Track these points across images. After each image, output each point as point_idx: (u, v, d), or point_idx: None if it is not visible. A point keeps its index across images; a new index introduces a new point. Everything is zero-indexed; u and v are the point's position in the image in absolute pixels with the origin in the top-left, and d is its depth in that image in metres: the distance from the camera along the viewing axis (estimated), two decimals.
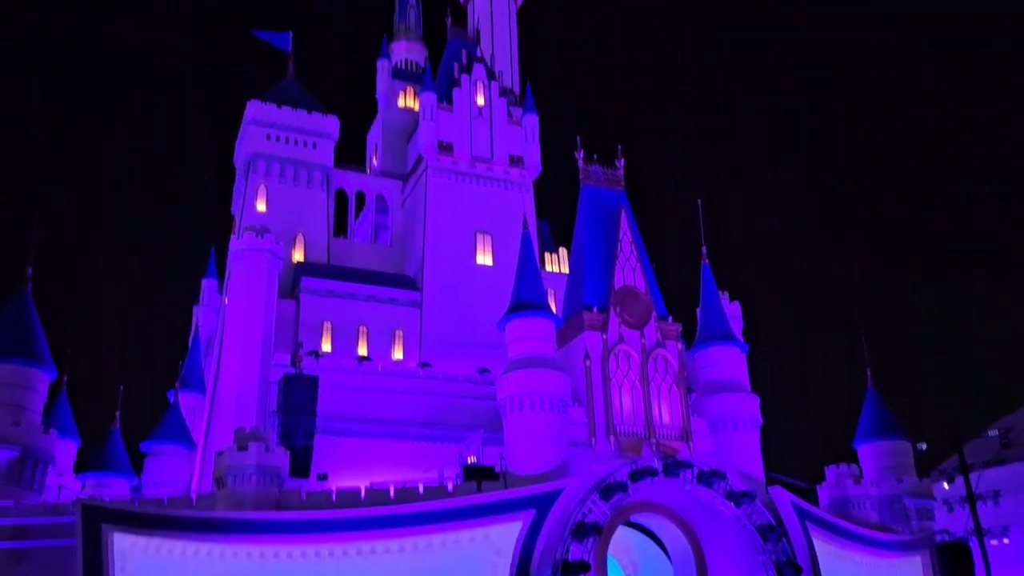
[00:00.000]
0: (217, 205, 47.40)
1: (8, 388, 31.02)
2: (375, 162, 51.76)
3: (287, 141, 46.10)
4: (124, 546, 25.39)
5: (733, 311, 44.00)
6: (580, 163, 37.74)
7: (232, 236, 43.98)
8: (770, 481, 33.93)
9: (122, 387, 44.57)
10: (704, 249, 37.81)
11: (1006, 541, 36.38)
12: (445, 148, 46.46)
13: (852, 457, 40.22)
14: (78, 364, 44.55)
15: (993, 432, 38.73)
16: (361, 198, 49.43)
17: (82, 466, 41.11)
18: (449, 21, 53.22)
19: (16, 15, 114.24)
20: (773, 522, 29.74)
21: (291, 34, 50.04)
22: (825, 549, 30.99)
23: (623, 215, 36.11)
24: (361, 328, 41.63)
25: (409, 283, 43.79)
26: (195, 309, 49.67)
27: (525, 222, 35.94)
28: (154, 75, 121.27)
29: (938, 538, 36.53)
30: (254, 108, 46.37)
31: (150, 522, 25.84)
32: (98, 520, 25.33)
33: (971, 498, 36.16)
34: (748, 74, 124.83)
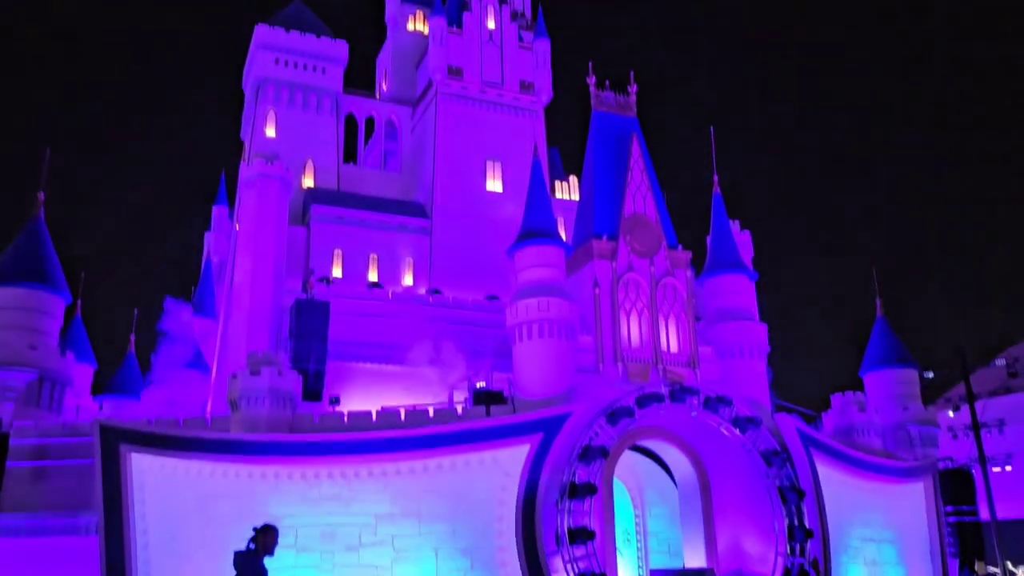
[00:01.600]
0: (228, 130, 47.14)
1: (24, 312, 31.41)
2: (384, 87, 51.21)
3: (296, 66, 45.58)
4: (142, 465, 26.03)
5: (744, 240, 43.84)
6: (592, 89, 37.24)
7: (242, 162, 43.87)
8: (776, 408, 34.31)
9: (136, 311, 45.15)
10: (716, 177, 37.54)
11: (1008, 468, 36.92)
12: (455, 73, 45.88)
13: (859, 386, 40.56)
14: (93, 289, 45.05)
15: (1000, 361, 38.75)
16: (371, 124, 49.07)
17: (99, 389, 41.95)
18: None
19: None
20: (778, 448, 30.12)
21: None
22: (828, 474, 31.47)
23: (635, 142, 35.75)
24: (371, 255, 41.78)
25: (419, 210, 43.74)
26: (206, 235, 49.90)
27: (536, 149, 35.68)
28: None
29: (941, 465, 37.02)
30: (262, 32, 45.74)
31: (167, 443, 26.43)
32: (116, 440, 25.93)
33: (976, 426, 36.53)
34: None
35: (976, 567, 34.65)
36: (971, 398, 36.17)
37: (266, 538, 11.27)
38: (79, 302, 41.78)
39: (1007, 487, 39.35)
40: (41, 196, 33.52)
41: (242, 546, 10.89)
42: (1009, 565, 37.15)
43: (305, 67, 45.71)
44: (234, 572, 11.26)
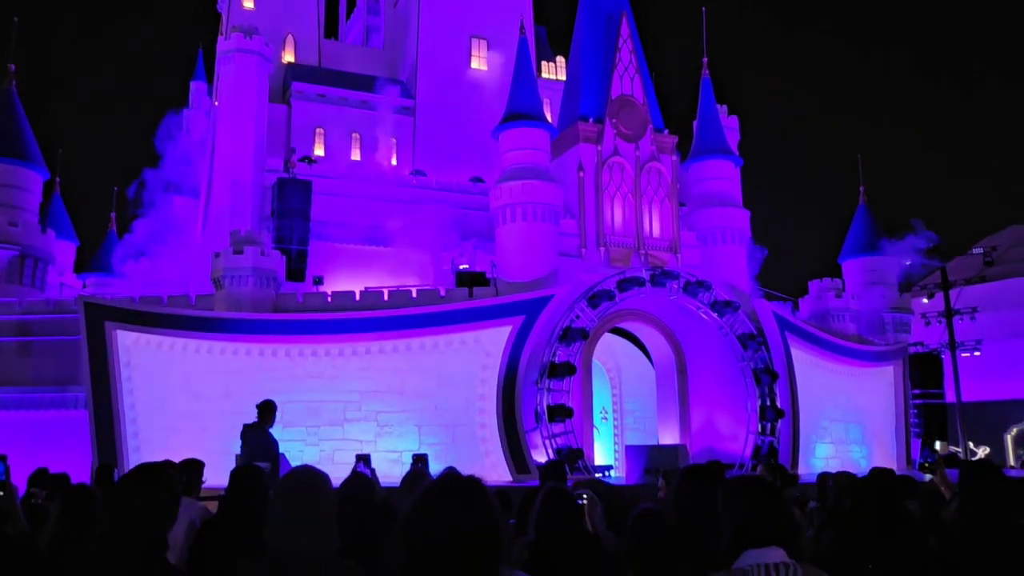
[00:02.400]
0: (204, 3, 45.46)
1: (1, 188, 31.04)
2: None
3: None
4: (127, 342, 26.35)
5: (731, 124, 43.43)
6: None
7: (220, 37, 42.52)
8: (767, 297, 34.78)
9: (116, 188, 44.64)
10: (705, 60, 36.86)
11: (977, 354, 37.94)
12: None
13: (838, 273, 41.11)
14: (72, 166, 44.38)
15: (977, 250, 39.34)
16: None
17: (82, 267, 41.92)
18: None
19: None
20: (754, 331, 30.76)
21: None
22: (802, 358, 32.31)
23: (624, 21, 34.82)
24: (354, 134, 41.13)
25: (402, 89, 42.84)
26: (184, 112, 48.82)
27: (522, 26, 34.74)
28: None
29: (912, 350, 38.02)
30: None
31: (152, 320, 26.69)
32: (101, 317, 26.14)
33: (948, 313, 37.35)
34: None
35: (938, 447, 36.11)
36: (946, 285, 36.85)
37: (268, 412, 12.33)
38: (57, 180, 41.22)
39: (975, 372, 40.55)
40: (12, 68, 32.57)
41: (240, 421, 11.60)
42: (971, 445, 38.71)
43: None
44: (240, 442, 11.97)
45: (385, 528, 5.98)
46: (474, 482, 3.04)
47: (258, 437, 12.34)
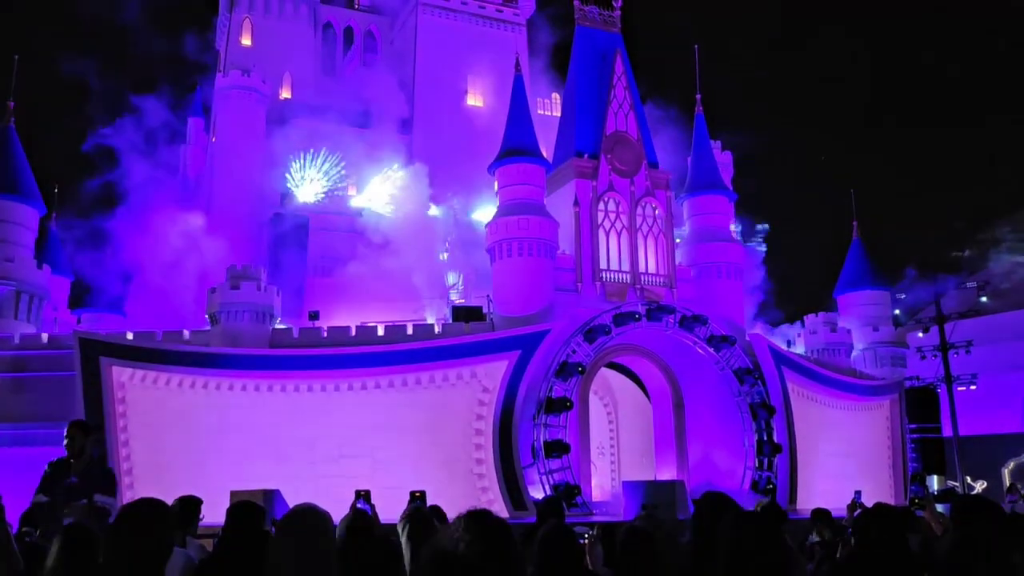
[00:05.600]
0: (202, 40, 45.87)
1: None
2: None
3: None
4: (122, 377, 26.26)
5: (724, 160, 43.81)
6: (576, 3, 36.45)
7: (217, 73, 42.92)
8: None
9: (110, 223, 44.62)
10: (698, 96, 37.26)
11: (973, 387, 37.97)
12: None
13: (834, 307, 41.16)
14: (67, 201, 44.41)
15: (971, 284, 39.54)
16: (349, 34, 47.98)
17: (76, 302, 41.81)
18: None
19: None
20: (750, 366, 30.77)
21: None
22: (798, 392, 32.28)
23: (618, 59, 35.23)
24: (351, 169, 41.31)
25: (399, 124, 43.13)
26: (182, 148, 49.09)
27: (517, 64, 35.12)
28: None
29: (907, 384, 38.02)
30: None
31: (147, 355, 26.62)
32: (96, 352, 26.08)
33: (943, 347, 37.43)
34: None
35: (934, 482, 35.88)
36: (941, 319, 36.95)
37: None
38: (53, 215, 41.27)
39: (972, 405, 40.54)
40: (11, 105, 32.80)
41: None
42: (968, 479, 38.58)
43: None
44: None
45: (385, 566, 5.94)
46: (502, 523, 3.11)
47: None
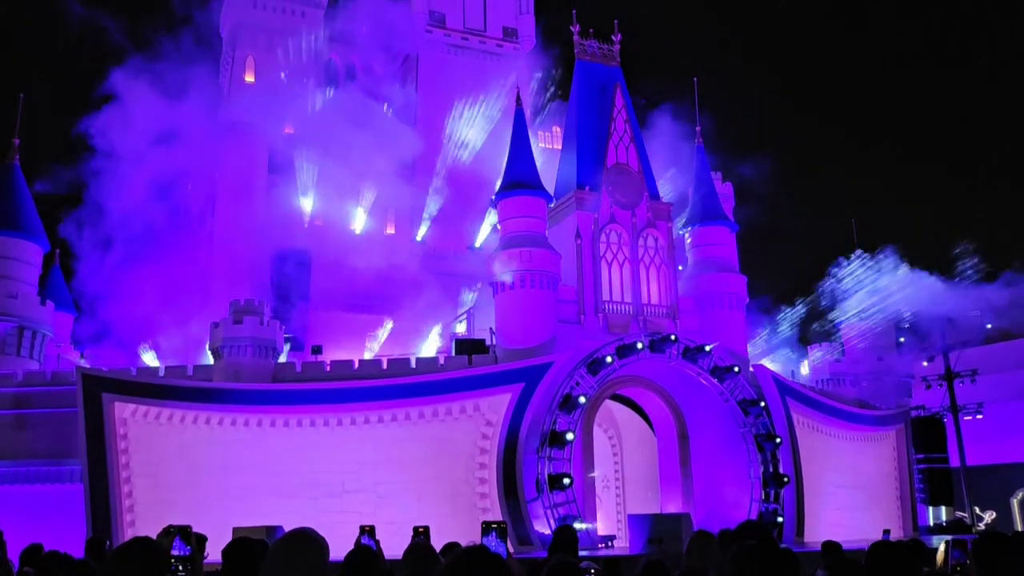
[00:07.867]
0: (205, 76, 46.21)
1: (1, 261, 31.19)
2: (365, 31, 50.34)
3: (274, 10, 44.67)
4: (124, 413, 26.18)
5: (725, 191, 43.98)
6: (575, 37, 36.83)
7: (220, 110, 43.23)
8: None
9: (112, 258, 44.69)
10: (698, 128, 37.50)
11: (980, 416, 37.73)
12: (437, 19, 45.26)
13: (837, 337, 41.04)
14: (71, 236, 44.50)
15: (976, 312, 39.43)
16: (351, 70, 48.36)
17: (80, 338, 41.79)
18: None
19: None
20: (755, 396, 30.61)
21: None
22: (803, 422, 32.10)
23: (618, 92, 35.52)
24: (354, 203, 41.43)
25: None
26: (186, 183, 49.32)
27: (518, 98, 35.36)
28: None
29: (913, 414, 37.80)
30: None
31: (149, 391, 26.55)
32: (98, 388, 26.02)
33: (949, 376, 37.26)
34: None
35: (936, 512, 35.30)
36: (946, 354, 36.77)
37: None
38: (56, 251, 41.43)
39: (979, 435, 40.25)
40: (16, 142, 33.06)
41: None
42: (977, 510, 38.22)
43: (283, 11, 44.79)
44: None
45: None
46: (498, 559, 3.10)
47: None
